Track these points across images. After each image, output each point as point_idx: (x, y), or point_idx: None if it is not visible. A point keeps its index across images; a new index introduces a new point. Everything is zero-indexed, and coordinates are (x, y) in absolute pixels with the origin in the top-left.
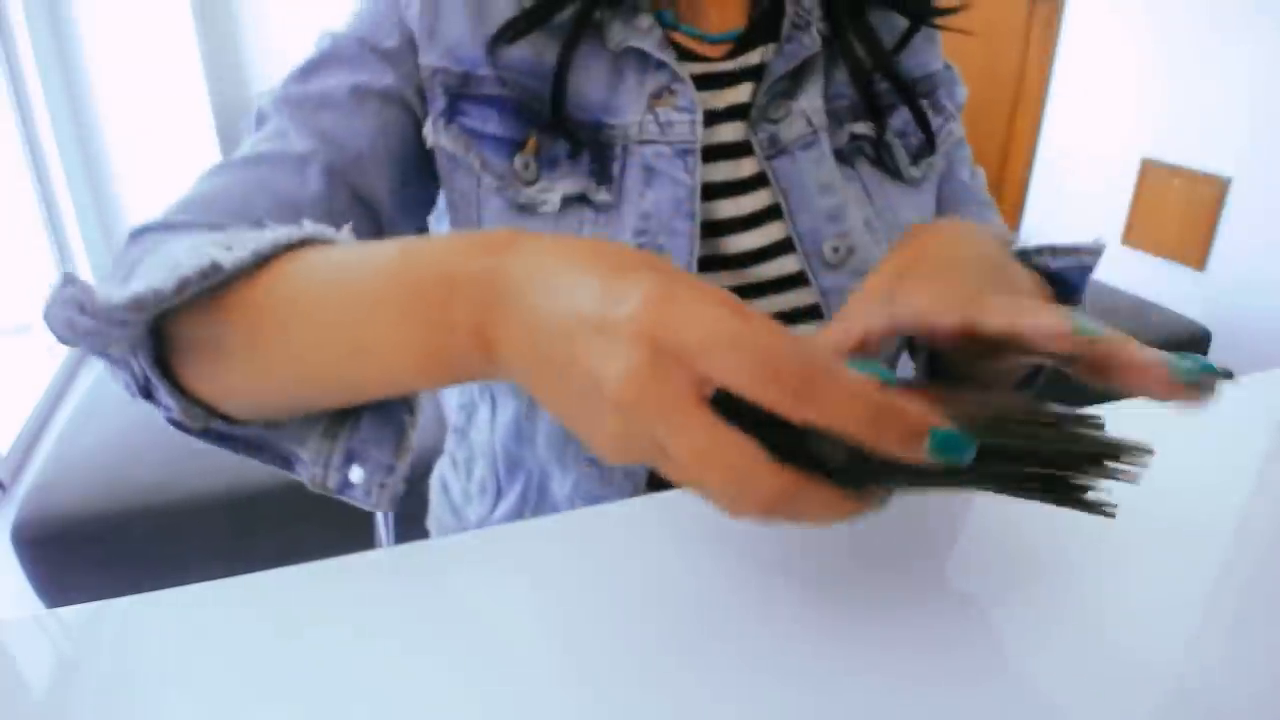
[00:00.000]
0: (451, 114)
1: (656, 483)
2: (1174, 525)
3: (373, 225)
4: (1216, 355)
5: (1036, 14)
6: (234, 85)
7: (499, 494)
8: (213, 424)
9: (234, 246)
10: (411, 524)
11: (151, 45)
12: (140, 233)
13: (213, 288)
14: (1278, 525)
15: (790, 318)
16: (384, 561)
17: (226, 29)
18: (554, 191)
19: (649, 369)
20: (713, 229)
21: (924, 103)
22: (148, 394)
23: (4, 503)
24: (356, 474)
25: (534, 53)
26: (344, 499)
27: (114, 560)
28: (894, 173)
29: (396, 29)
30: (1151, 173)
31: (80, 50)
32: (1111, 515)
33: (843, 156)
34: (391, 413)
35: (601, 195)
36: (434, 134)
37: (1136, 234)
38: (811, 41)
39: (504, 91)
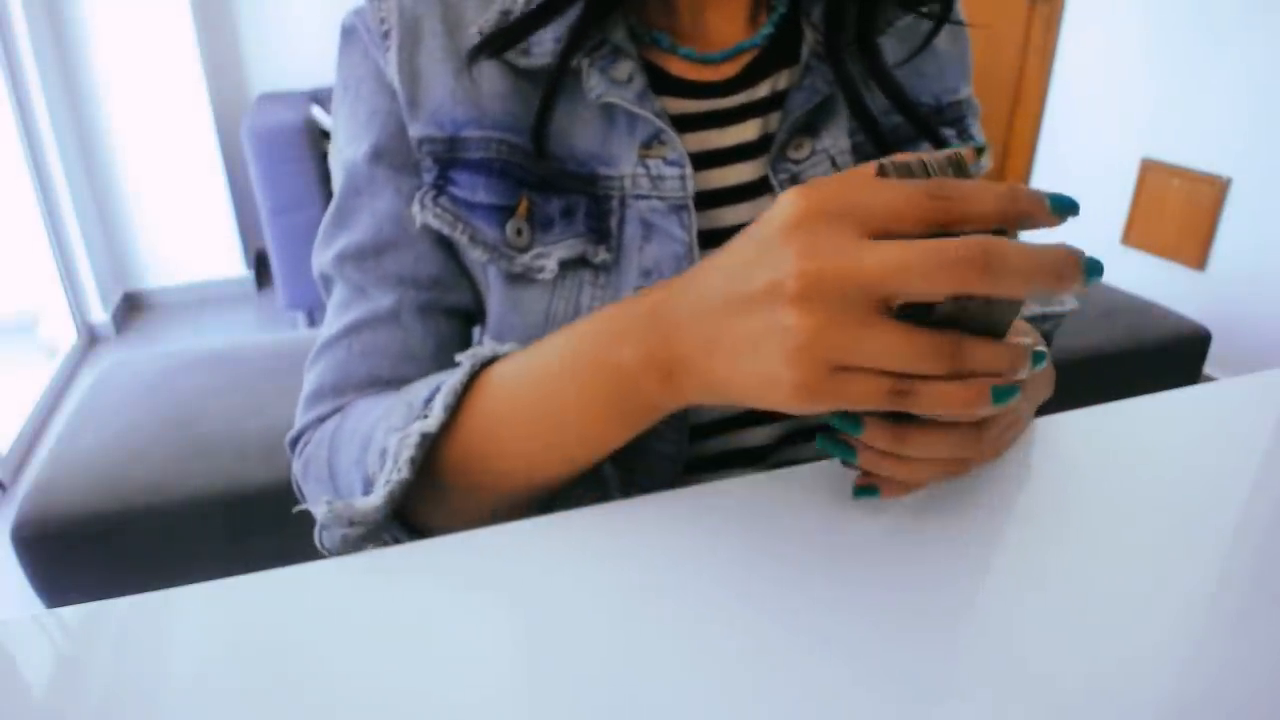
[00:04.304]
0: (441, 186)
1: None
2: (1173, 525)
3: (475, 314)
4: (1216, 355)
5: (1036, 14)
6: (234, 85)
7: None
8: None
9: (428, 413)
10: None
11: (151, 45)
12: (298, 438)
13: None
14: (1278, 525)
15: None
16: (384, 561)
17: (226, 29)
18: (549, 257)
19: (828, 311)
20: None
21: (951, 132)
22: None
23: (4, 503)
24: None
25: (520, 106)
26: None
27: (114, 560)
28: None
29: (383, 99)
30: (1151, 173)
31: (80, 50)
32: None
33: None
34: None
35: (601, 255)
36: (420, 211)
37: (1136, 234)
38: (833, 77)
39: (490, 154)
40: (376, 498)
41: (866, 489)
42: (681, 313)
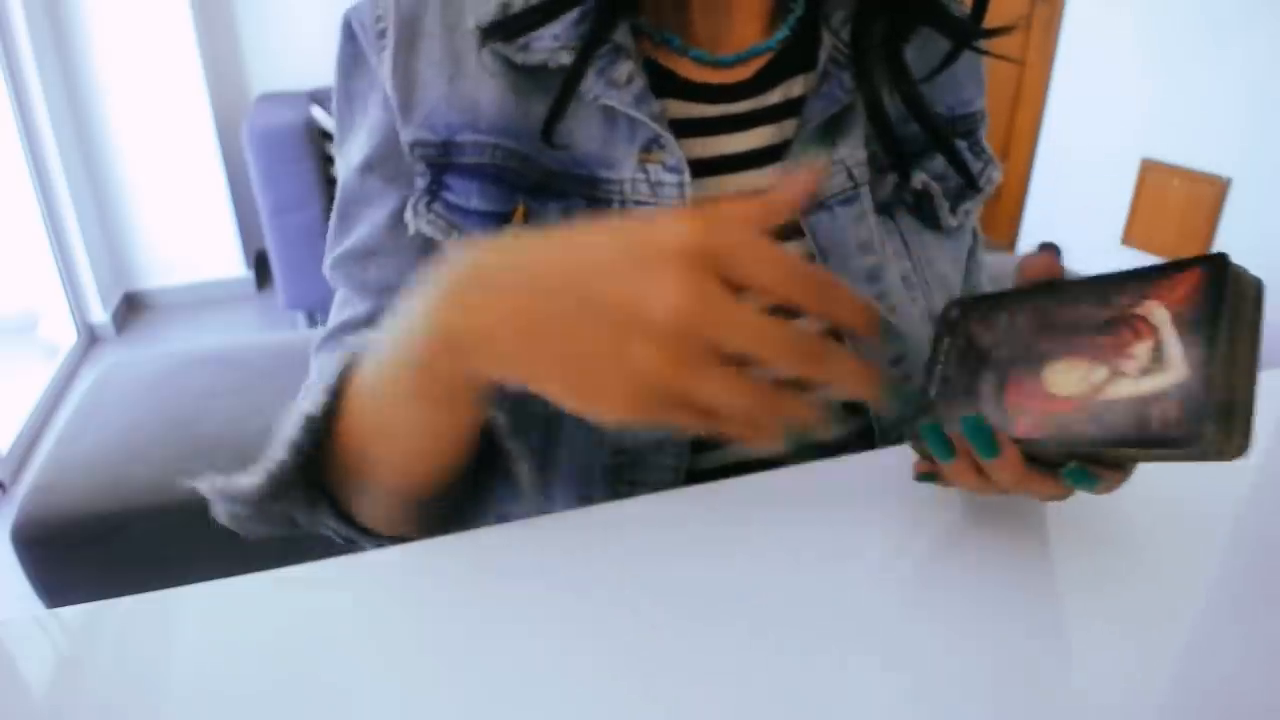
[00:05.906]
0: (434, 192)
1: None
2: (1174, 525)
3: None
4: None
5: (1036, 14)
6: (234, 85)
7: None
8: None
9: (311, 396)
10: None
11: (151, 45)
12: None
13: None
14: (1278, 525)
15: None
16: (384, 561)
17: (226, 29)
18: None
19: (681, 355)
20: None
21: (963, 144)
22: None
23: (4, 503)
24: None
25: (517, 107)
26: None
27: (114, 560)
28: (932, 222)
29: (376, 104)
30: (1151, 173)
31: (80, 50)
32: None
33: (883, 207)
34: None
35: None
36: (414, 218)
37: (1136, 234)
38: (853, 85)
39: (485, 159)
40: (256, 476)
41: (929, 475)
42: (501, 280)
